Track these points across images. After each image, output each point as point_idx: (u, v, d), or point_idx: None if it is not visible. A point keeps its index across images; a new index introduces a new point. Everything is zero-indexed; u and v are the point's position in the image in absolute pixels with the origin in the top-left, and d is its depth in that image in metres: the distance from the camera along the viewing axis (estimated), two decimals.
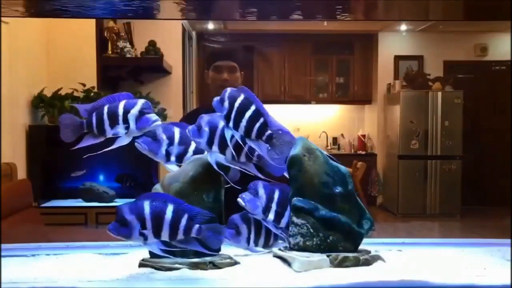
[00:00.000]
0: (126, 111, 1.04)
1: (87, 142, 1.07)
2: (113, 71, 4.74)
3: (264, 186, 1.11)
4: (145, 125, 1.05)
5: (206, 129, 1.07)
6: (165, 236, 0.99)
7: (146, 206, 0.98)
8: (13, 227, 2.55)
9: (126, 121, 1.05)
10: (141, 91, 4.62)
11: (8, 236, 1.66)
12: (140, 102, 1.06)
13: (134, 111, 1.04)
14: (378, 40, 7.83)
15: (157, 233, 0.99)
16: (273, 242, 1.16)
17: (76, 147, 1.06)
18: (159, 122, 1.06)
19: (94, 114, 1.06)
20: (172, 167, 1.17)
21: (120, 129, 1.05)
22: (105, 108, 1.05)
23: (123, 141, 1.07)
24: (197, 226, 1.00)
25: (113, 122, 1.05)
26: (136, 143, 1.13)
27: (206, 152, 1.11)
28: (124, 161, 3.78)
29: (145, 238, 0.99)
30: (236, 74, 2.18)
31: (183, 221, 0.99)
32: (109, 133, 1.06)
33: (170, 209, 0.99)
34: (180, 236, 0.99)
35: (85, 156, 1.08)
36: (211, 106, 1.07)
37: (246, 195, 1.09)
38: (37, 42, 4.13)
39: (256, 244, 1.14)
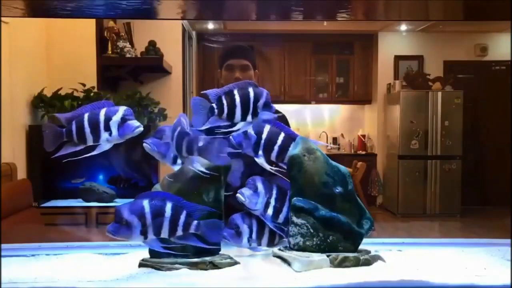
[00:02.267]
0: (108, 119, 1.04)
1: (66, 150, 1.06)
2: (113, 71, 4.74)
3: (262, 181, 1.11)
4: (128, 131, 1.05)
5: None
6: (164, 233, 0.99)
7: (146, 205, 0.99)
8: (13, 227, 2.55)
9: (107, 128, 1.05)
10: (141, 91, 4.62)
11: (8, 236, 1.66)
12: (122, 109, 1.06)
13: (116, 118, 1.04)
14: (378, 40, 7.83)
15: (157, 231, 0.99)
16: (278, 241, 1.15)
17: (55, 156, 1.06)
18: (141, 129, 1.06)
19: (73, 123, 1.05)
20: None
21: (102, 136, 1.04)
22: (85, 116, 1.05)
23: (104, 147, 1.07)
24: (195, 222, 1.00)
25: (94, 130, 1.05)
26: (144, 144, 1.13)
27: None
28: (125, 162, 3.77)
29: (145, 237, 0.99)
30: (249, 73, 2.15)
31: (182, 217, 1.00)
32: (90, 141, 1.05)
33: (169, 206, 0.99)
34: (179, 232, 1.00)
35: (64, 161, 1.08)
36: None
37: (246, 190, 1.09)
38: (37, 42, 4.13)
39: (259, 244, 1.14)
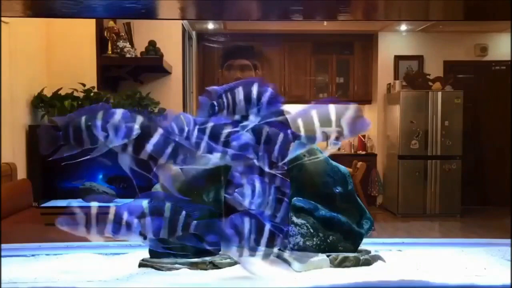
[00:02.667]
0: (105, 122, 1.04)
1: (62, 153, 1.06)
2: (113, 71, 4.74)
3: (261, 181, 1.11)
4: (126, 134, 1.05)
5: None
6: (164, 233, 0.99)
7: (145, 205, 0.99)
8: (13, 227, 2.55)
9: (105, 131, 1.04)
10: (141, 91, 4.62)
11: (8, 236, 1.66)
12: (119, 111, 1.05)
13: (114, 121, 1.04)
14: (378, 40, 7.83)
15: (156, 232, 0.99)
16: (278, 241, 1.15)
17: (51, 158, 1.06)
18: (139, 132, 1.05)
19: (70, 126, 1.05)
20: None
21: (100, 139, 1.04)
22: (83, 119, 1.05)
23: (101, 150, 1.06)
24: (195, 222, 1.00)
25: (92, 133, 1.04)
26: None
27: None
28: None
29: (144, 237, 0.99)
30: (250, 73, 2.15)
31: (181, 218, 0.99)
32: (87, 144, 1.05)
33: (168, 206, 0.99)
34: (179, 232, 1.00)
35: (63, 163, 1.08)
36: None
37: (244, 190, 1.09)
38: (37, 42, 4.13)
39: (258, 244, 1.13)
